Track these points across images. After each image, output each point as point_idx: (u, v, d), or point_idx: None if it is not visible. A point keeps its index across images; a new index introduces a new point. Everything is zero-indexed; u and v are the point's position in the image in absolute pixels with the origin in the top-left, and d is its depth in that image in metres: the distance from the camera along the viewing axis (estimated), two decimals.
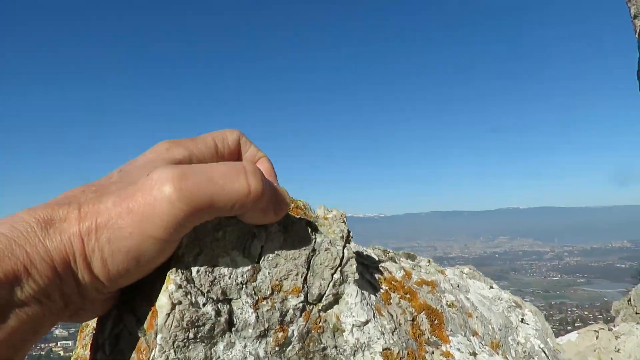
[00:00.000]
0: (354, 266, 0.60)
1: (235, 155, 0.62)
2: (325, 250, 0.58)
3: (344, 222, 0.64)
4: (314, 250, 0.58)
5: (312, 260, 0.58)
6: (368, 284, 0.59)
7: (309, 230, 0.60)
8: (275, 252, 0.55)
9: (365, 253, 0.71)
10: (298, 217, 0.60)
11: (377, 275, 0.61)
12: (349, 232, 0.63)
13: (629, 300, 16.05)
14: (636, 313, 14.63)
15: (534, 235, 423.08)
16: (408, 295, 0.60)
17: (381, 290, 0.59)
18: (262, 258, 0.54)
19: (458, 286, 0.77)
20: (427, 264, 0.86)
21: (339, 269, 0.59)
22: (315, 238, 0.59)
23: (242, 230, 0.54)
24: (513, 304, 0.96)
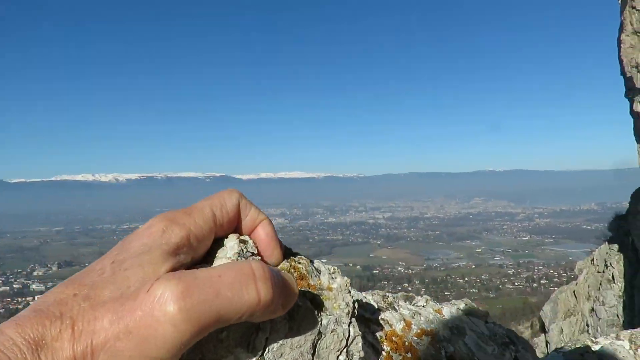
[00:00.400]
0: (360, 344, 0.58)
1: (235, 221, 0.60)
2: (332, 332, 0.56)
3: (349, 292, 0.62)
4: (319, 333, 0.55)
5: (317, 344, 0.55)
6: (371, 348, 0.58)
7: (315, 312, 0.57)
8: (280, 342, 0.52)
9: (364, 300, 0.69)
10: (303, 295, 0.57)
11: (378, 334, 0.60)
12: (354, 304, 0.60)
13: (592, 260, 17.14)
14: (597, 272, 15.68)
15: (507, 197, 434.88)
16: (409, 355, 0.60)
17: (383, 353, 0.60)
18: (267, 349, 0.52)
19: (457, 329, 0.75)
20: (425, 304, 0.84)
21: (345, 349, 0.56)
22: (321, 319, 0.57)
23: (246, 325, 0.51)
24: (507, 339, 0.96)
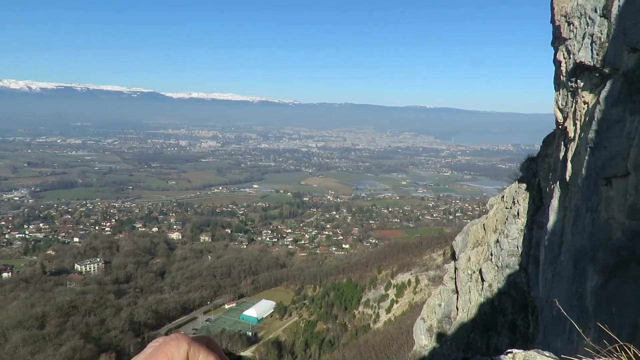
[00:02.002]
0: None
1: None
2: None
3: None
4: None
5: None
6: None
7: None
8: None
9: None
10: None
11: None
12: None
13: (502, 197, 18.54)
14: (506, 208, 17.04)
15: (435, 134, 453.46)
16: None
17: None
18: None
19: None
20: None
21: None
22: None
23: None
24: None
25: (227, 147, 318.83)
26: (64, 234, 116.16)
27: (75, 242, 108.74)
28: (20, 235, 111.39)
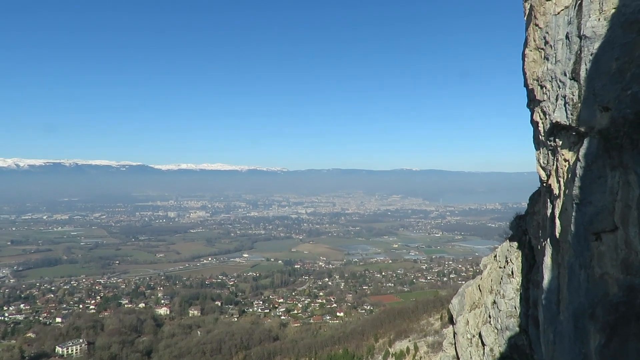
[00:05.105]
0: None
1: None
2: None
3: None
4: None
5: None
6: None
7: None
8: None
9: None
10: None
11: None
12: None
13: (495, 256, 18.41)
14: (499, 267, 16.86)
15: (422, 195, 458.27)
16: None
17: None
18: None
19: None
20: None
21: None
22: None
23: None
24: None
25: (217, 217, 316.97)
26: (45, 314, 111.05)
27: (58, 322, 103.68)
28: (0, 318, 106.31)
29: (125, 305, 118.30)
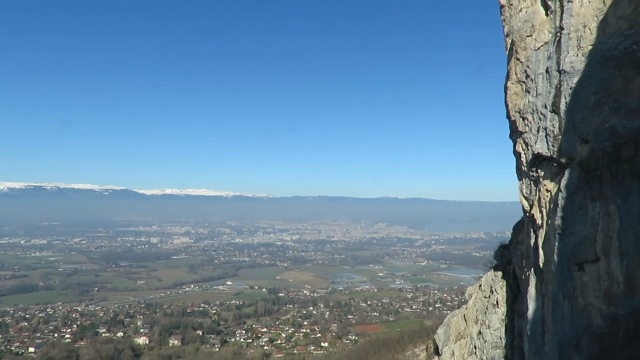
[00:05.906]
0: None
1: None
2: None
3: None
4: None
5: None
6: None
7: None
8: None
9: None
10: None
11: None
12: None
13: (480, 285, 18.37)
14: (484, 297, 16.82)
15: (408, 224, 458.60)
16: None
17: None
18: None
19: None
20: None
21: None
22: None
23: None
24: None
25: (200, 243, 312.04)
26: (18, 343, 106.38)
27: (31, 352, 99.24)
28: None
29: (103, 335, 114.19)
